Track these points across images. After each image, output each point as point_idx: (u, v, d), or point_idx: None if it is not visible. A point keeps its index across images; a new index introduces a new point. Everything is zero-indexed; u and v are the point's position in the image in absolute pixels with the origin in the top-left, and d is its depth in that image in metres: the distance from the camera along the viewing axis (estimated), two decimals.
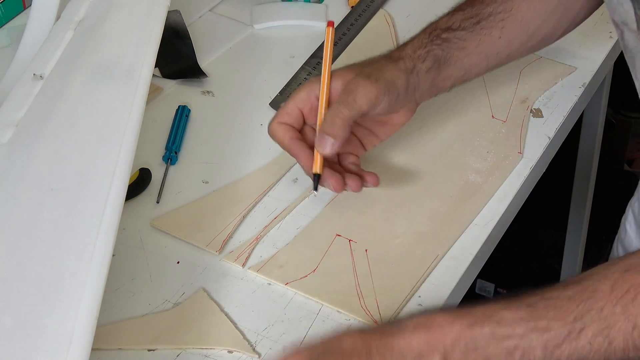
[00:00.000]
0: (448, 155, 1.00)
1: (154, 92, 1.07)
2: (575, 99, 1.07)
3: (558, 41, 1.02)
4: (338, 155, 0.91)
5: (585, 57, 1.11)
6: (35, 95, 0.92)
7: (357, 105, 0.86)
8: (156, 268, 0.89)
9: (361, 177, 0.90)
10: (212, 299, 0.86)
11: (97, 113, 0.86)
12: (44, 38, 1.01)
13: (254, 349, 0.81)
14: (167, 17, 0.97)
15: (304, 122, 0.91)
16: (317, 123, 0.88)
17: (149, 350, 0.81)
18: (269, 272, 0.88)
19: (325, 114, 0.87)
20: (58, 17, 1.04)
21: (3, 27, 1.18)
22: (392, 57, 0.90)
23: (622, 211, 1.08)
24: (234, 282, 0.87)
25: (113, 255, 0.75)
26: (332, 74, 0.89)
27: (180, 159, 1.00)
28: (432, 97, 0.94)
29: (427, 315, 0.70)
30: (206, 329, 0.83)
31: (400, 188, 0.96)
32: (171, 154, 1.00)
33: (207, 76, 1.10)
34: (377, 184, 0.90)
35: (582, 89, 1.08)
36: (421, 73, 0.90)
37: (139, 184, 0.96)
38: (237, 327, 0.83)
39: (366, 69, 0.88)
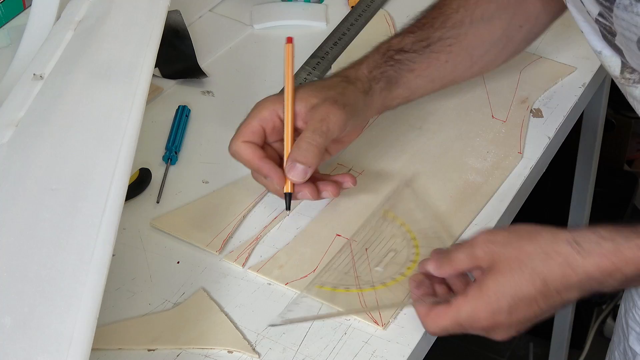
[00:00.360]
0: (448, 155, 1.00)
1: (154, 92, 1.07)
2: (575, 99, 1.07)
3: (558, 41, 1.03)
4: None
5: (585, 57, 1.11)
6: (35, 95, 0.92)
7: (330, 133, 0.87)
8: (156, 268, 0.89)
9: (336, 182, 0.90)
10: (212, 299, 0.86)
11: (97, 113, 0.86)
12: (44, 38, 1.01)
13: (254, 349, 0.81)
14: (167, 17, 0.97)
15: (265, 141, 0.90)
16: (285, 148, 0.88)
17: (149, 350, 0.81)
18: (269, 272, 0.88)
19: (297, 141, 0.86)
20: (58, 17, 1.04)
21: (3, 27, 1.18)
22: (349, 78, 0.91)
23: (622, 211, 1.08)
24: (234, 282, 0.87)
25: (113, 255, 0.75)
26: (295, 95, 0.89)
27: (180, 159, 1.00)
28: (379, 114, 0.96)
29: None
30: (206, 329, 0.83)
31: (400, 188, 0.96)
32: (171, 154, 1.00)
33: (207, 76, 1.10)
34: (355, 182, 0.90)
35: (582, 89, 1.08)
36: (375, 94, 0.92)
37: (139, 184, 0.96)
38: (237, 327, 0.83)
39: (330, 92, 0.88)
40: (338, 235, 0.91)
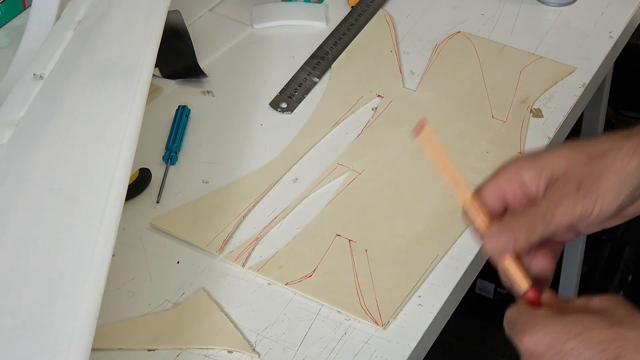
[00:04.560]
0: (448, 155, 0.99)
1: (154, 92, 1.07)
2: (575, 99, 1.06)
3: (558, 41, 1.02)
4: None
5: (585, 57, 1.11)
6: (35, 95, 0.92)
7: (554, 223, 0.69)
8: (156, 268, 0.89)
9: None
10: (212, 299, 0.86)
11: (97, 113, 0.86)
12: (44, 38, 1.01)
13: (254, 349, 0.81)
14: (167, 17, 0.97)
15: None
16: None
17: (149, 350, 0.81)
18: (268, 272, 0.88)
19: (525, 212, 0.70)
20: (58, 17, 1.04)
21: (3, 27, 1.18)
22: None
23: None
24: (234, 282, 0.87)
25: (113, 255, 0.75)
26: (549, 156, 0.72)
27: (180, 159, 1.00)
28: None
29: None
30: (206, 329, 0.83)
31: (400, 188, 0.96)
32: (171, 154, 1.00)
33: (207, 76, 1.10)
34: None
35: (582, 89, 1.08)
36: None
37: (139, 184, 0.96)
38: (237, 327, 0.83)
39: (582, 169, 0.69)
40: (338, 235, 0.91)
